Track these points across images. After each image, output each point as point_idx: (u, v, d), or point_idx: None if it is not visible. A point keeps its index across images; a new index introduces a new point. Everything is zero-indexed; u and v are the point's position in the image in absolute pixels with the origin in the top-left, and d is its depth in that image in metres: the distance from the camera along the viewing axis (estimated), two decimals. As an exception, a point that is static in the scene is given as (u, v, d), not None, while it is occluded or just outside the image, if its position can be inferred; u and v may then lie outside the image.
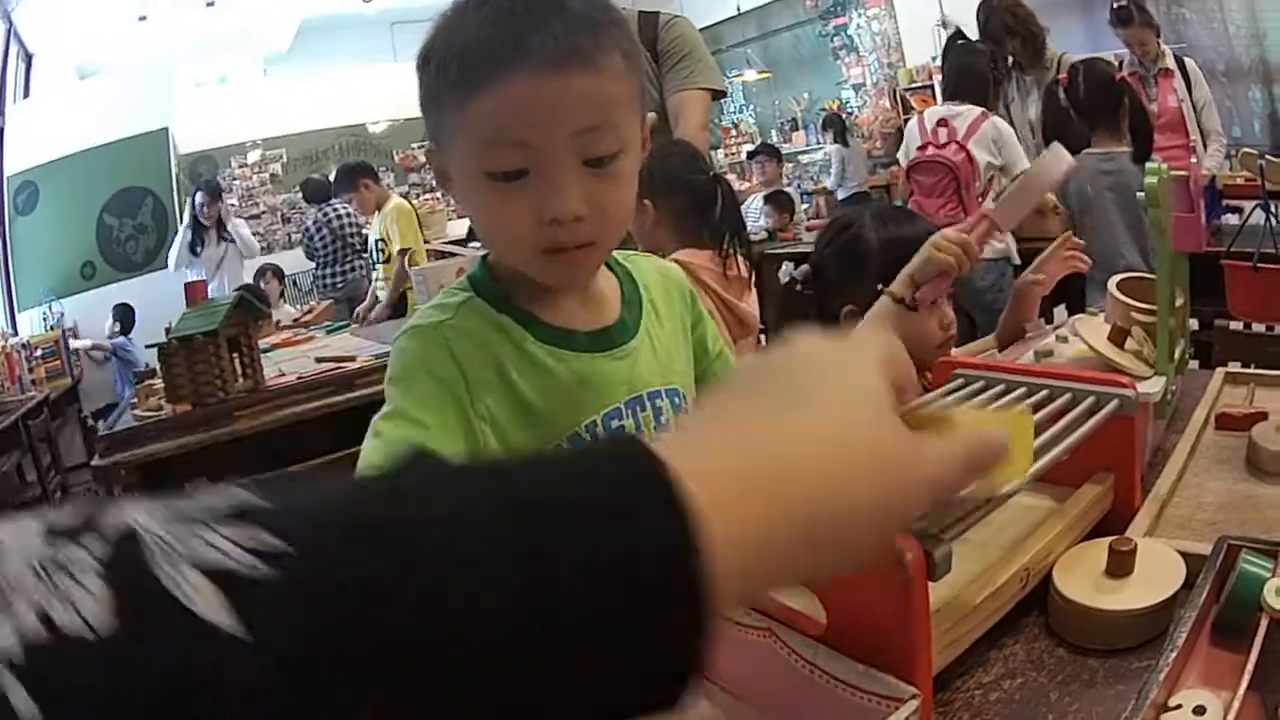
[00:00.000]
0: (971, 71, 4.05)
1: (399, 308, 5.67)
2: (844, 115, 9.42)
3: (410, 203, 6.59)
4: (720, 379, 1.23)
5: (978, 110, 3.89)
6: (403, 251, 5.67)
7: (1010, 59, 4.62)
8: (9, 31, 8.14)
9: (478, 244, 8.22)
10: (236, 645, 0.30)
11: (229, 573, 0.31)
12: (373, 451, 0.99)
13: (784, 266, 1.94)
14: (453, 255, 4.34)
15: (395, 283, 5.69)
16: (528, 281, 1.05)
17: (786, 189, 7.69)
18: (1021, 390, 1.02)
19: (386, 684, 0.32)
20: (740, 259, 2.09)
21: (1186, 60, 4.78)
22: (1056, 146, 1.44)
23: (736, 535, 0.40)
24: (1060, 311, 3.21)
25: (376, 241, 5.92)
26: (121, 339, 7.54)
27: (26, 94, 8.79)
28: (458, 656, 0.33)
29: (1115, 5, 4.73)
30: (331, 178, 7.19)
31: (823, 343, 0.54)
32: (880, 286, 1.56)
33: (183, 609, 0.30)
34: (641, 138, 1.02)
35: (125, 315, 7.65)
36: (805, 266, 1.89)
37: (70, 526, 0.32)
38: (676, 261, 1.48)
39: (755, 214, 6.93)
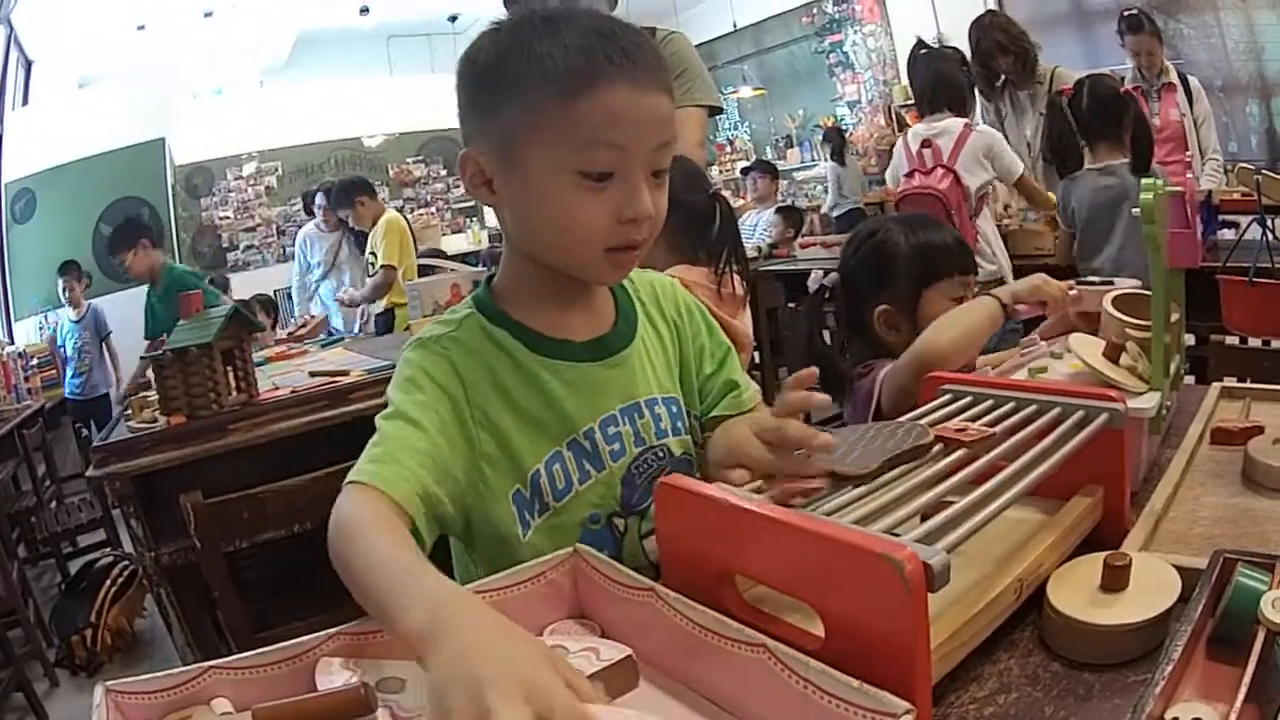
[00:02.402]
0: (943, 78, 3.97)
1: (387, 322, 5.65)
2: (843, 130, 9.43)
3: (405, 217, 6.57)
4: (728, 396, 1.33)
5: (960, 123, 3.81)
6: (387, 268, 5.60)
7: (1003, 77, 4.62)
8: (9, 37, 8.14)
9: (474, 261, 8.21)
10: None
11: None
12: (373, 444, 1.05)
13: (813, 274, 2.03)
14: (448, 270, 4.33)
15: (372, 293, 5.65)
16: (528, 297, 1.16)
17: (785, 205, 7.71)
18: (1010, 404, 1.02)
19: None
20: (736, 277, 2.09)
21: (1189, 77, 4.80)
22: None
23: None
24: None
25: (369, 255, 5.91)
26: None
27: (26, 101, 8.79)
28: None
29: (1125, 12, 4.75)
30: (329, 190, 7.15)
31: None
32: (991, 293, 1.72)
33: None
34: None
35: None
36: (834, 275, 1.99)
37: None
38: None
39: (750, 230, 6.95)
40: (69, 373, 6.82)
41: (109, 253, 6.38)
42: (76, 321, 7.19)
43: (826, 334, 2.04)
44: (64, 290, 7.25)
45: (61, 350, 7.22)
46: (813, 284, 2.01)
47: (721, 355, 1.36)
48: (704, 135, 2.75)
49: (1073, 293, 1.65)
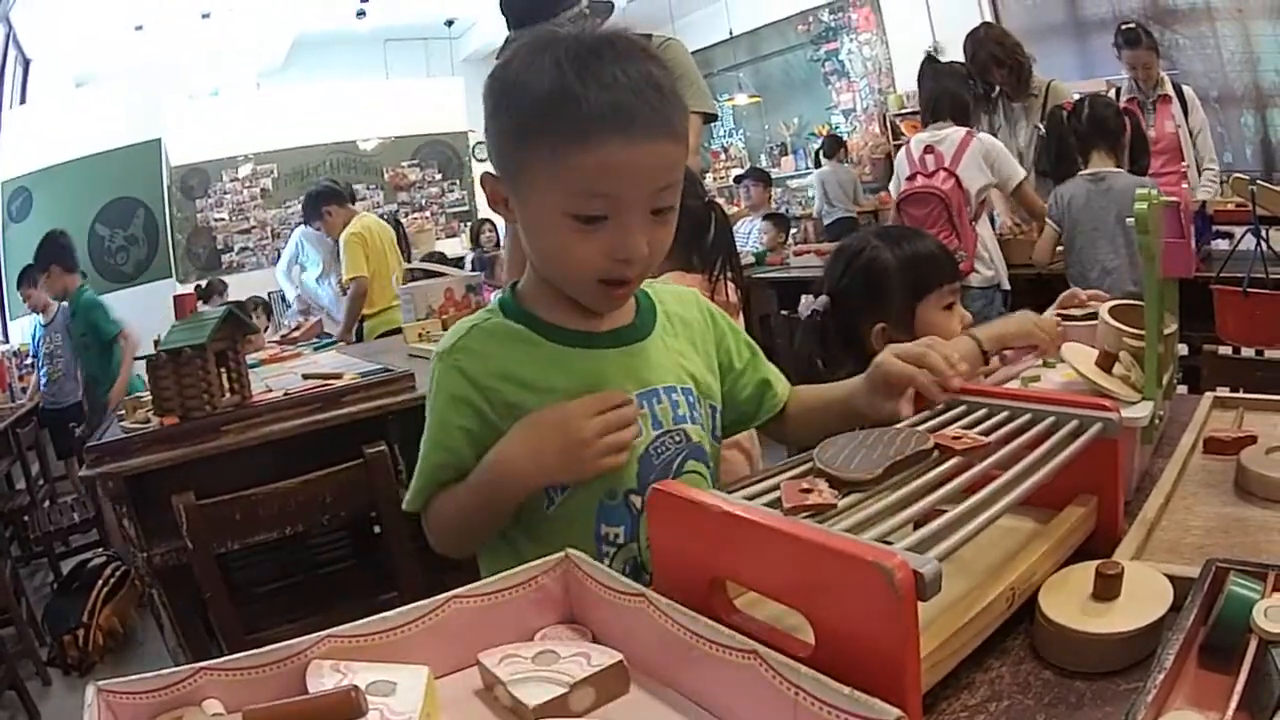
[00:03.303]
0: (949, 92, 4.05)
1: (359, 334, 5.62)
2: (840, 138, 9.44)
3: (399, 220, 6.53)
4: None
5: (962, 131, 3.88)
6: (354, 280, 5.55)
7: (997, 89, 4.64)
8: (7, 36, 8.15)
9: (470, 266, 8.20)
10: None
11: None
12: (418, 472, 1.24)
13: (803, 300, 2.01)
14: (441, 275, 4.32)
15: (349, 317, 5.62)
16: (548, 300, 1.22)
17: (772, 213, 7.73)
18: (1005, 414, 1.02)
19: None
20: (730, 285, 2.09)
21: (1184, 88, 4.82)
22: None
23: None
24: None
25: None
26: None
27: (23, 99, 8.79)
28: None
29: (1123, 26, 4.77)
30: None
31: None
32: (969, 333, 1.64)
33: None
34: None
35: None
36: (824, 298, 1.96)
37: None
38: None
39: (743, 238, 6.97)
40: (42, 380, 6.62)
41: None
42: (45, 325, 7.03)
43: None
44: (23, 299, 6.99)
45: (35, 357, 6.85)
46: (804, 310, 2.00)
47: (748, 354, 1.42)
48: (699, 141, 2.78)
49: (1059, 328, 1.58)
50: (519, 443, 1.13)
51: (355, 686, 0.71)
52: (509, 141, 1.10)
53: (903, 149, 4.20)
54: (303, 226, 6.79)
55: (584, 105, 1.00)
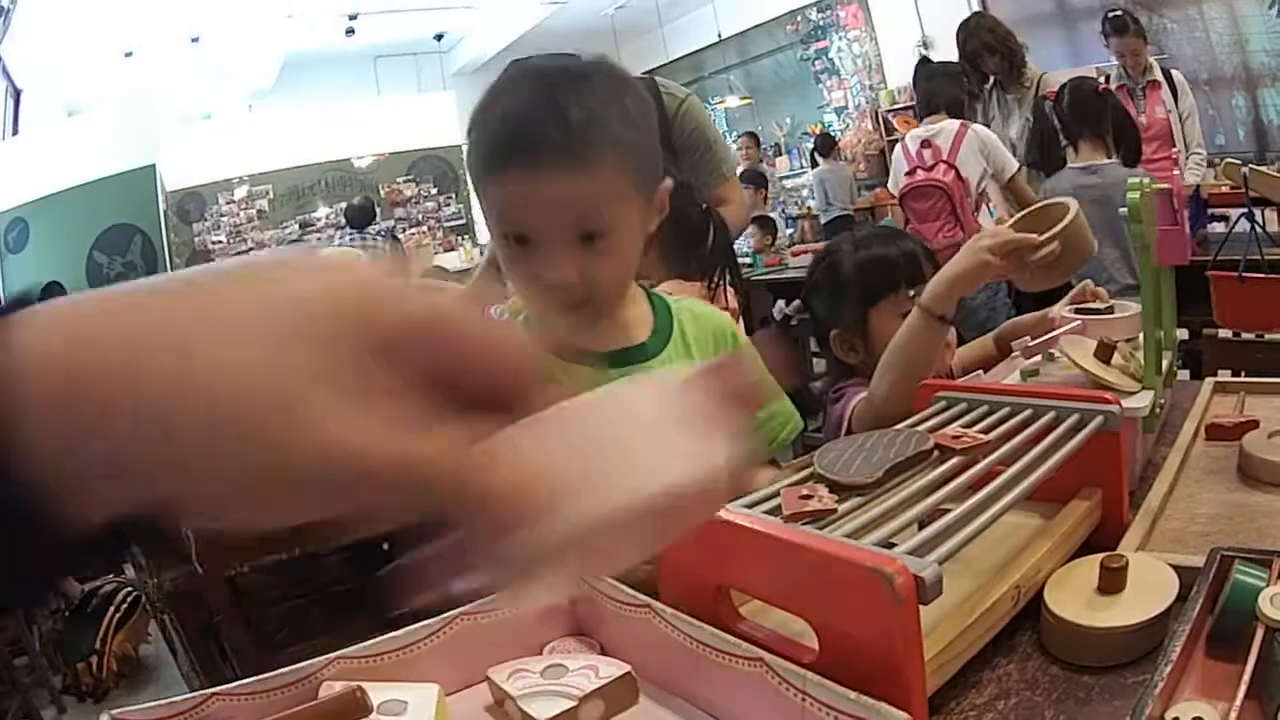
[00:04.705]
0: (943, 88, 4.07)
1: None
2: (832, 137, 9.44)
3: (394, 237, 6.55)
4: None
5: (957, 123, 3.90)
6: None
7: (991, 78, 4.65)
8: (-2, 67, 8.15)
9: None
10: None
11: None
12: None
13: (777, 305, 1.99)
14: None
15: None
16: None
17: (770, 214, 7.72)
18: (1005, 410, 1.02)
19: None
20: (729, 291, 2.09)
21: (1173, 72, 4.82)
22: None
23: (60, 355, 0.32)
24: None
25: None
26: None
27: (15, 130, 8.80)
28: None
29: (1110, 14, 4.77)
30: (356, 203, 7.34)
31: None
32: (912, 294, 1.58)
33: None
34: (652, 208, 1.18)
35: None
36: (797, 302, 1.94)
37: None
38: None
39: (738, 242, 6.96)
40: None
41: None
42: None
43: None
44: None
45: None
46: (777, 314, 2.00)
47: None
48: (742, 195, 2.81)
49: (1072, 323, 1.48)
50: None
51: (359, 686, 0.71)
52: (471, 162, 1.15)
53: (899, 145, 4.21)
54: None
55: (497, 134, 1.07)
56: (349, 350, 0.35)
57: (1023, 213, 1.52)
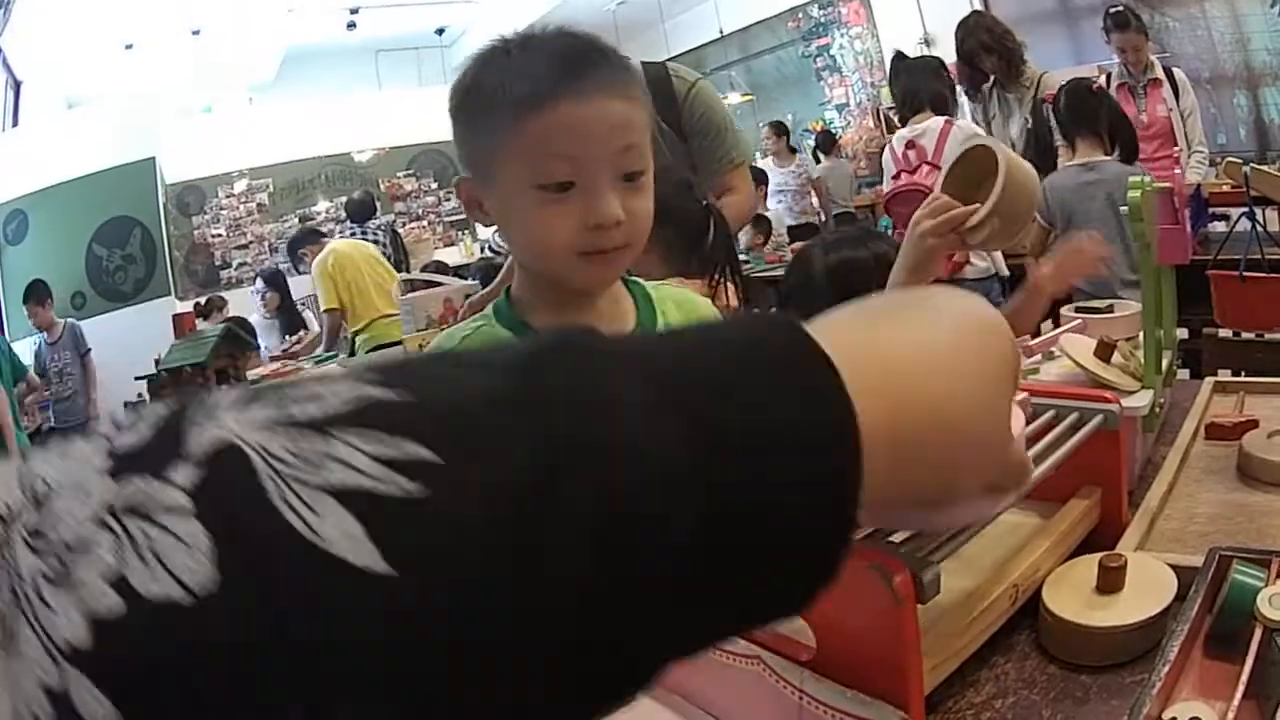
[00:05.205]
0: (924, 85, 4.02)
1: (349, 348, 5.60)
2: (833, 134, 9.45)
3: (395, 231, 6.52)
4: None
5: (941, 120, 3.85)
6: (327, 313, 5.53)
7: (990, 77, 4.64)
8: (-2, 58, 8.16)
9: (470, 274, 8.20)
10: (391, 592, 0.24)
11: (368, 495, 0.24)
12: None
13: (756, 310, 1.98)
14: (439, 285, 4.32)
15: (325, 348, 5.58)
16: (540, 305, 1.23)
17: (765, 214, 7.72)
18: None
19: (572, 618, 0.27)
20: (731, 289, 2.08)
21: (1175, 70, 4.82)
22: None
23: (881, 421, 0.36)
24: (1045, 325, 3.22)
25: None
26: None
27: (15, 122, 8.80)
28: (635, 576, 0.29)
29: (1112, 10, 4.77)
30: (358, 196, 7.39)
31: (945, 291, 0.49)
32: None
33: (313, 550, 0.23)
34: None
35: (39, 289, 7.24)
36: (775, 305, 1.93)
37: (143, 450, 0.25)
38: None
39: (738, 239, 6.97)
40: (49, 399, 6.54)
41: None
42: (53, 343, 6.97)
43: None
44: (29, 316, 7.05)
45: (43, 376, 6.89)
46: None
47: None
48: (750, 184, 2.79)
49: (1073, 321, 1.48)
50: None
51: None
52: (473, 132, 1.14)
53: (887, 148, 4.18)
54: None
55: (534, 72, 1.05)
56: (1013, 374, 0.46)
57: (948, 169, 1.51)
